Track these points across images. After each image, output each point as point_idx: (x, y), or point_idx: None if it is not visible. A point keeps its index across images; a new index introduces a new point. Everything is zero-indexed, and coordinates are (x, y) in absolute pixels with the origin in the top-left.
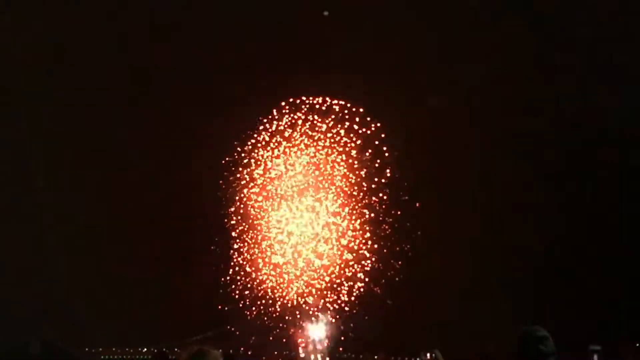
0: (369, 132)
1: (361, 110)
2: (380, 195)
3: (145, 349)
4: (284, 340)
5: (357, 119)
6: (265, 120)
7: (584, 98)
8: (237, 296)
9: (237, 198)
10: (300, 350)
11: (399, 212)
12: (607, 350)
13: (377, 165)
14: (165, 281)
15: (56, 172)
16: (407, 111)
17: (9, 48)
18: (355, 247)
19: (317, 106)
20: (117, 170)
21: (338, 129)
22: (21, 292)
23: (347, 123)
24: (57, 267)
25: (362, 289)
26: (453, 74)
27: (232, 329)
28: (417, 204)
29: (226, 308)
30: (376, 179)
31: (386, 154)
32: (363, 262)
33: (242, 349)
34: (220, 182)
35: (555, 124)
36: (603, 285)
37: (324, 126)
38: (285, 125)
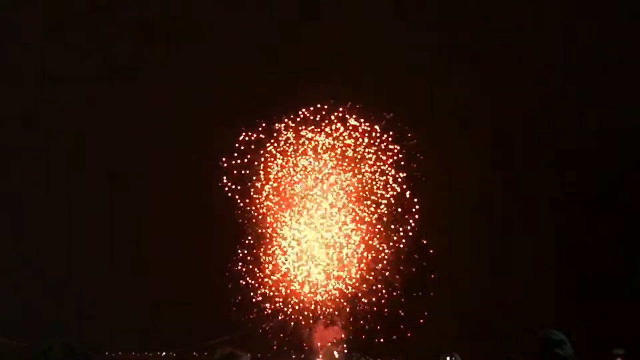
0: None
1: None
2: (396, 198)
3: (164, 353)
4: (302, 344)
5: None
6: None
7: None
8: (254, 301)
9: (252, 206)
10: (318, 354)
11: (417, 216)
12: (632, 355)
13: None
14: (183, 285)
15: (73, 179)
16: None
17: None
18: (373, 250)
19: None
20: (135, 170)
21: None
22: (41, 296)
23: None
24: (76, 271)
25: (380, 294)
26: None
27: (250, 333)
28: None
29: (244, 318)
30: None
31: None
32: (380, 266)
33: (259, 354)
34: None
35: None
36: (628, 287)
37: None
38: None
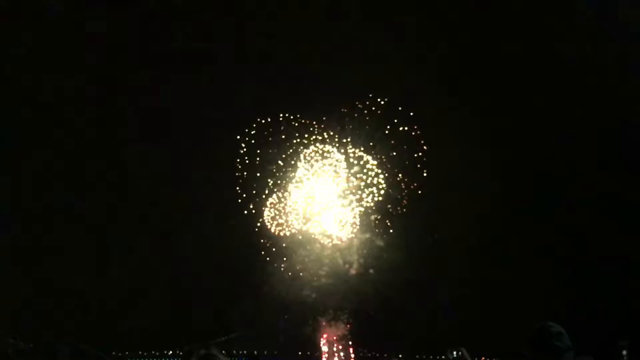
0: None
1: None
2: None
3: (171, 352)
4: (308, 339)
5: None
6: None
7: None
8: (259, 297)
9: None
10: (324, 350)
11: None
12: (637, 346)
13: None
14: (191, 284)
15: (79, 178)
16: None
17: None
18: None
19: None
20: (139, 169)
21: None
22: (49, 298)
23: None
24: (82, 272)
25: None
26: None
27: (257, 330)
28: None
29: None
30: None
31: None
32: (382, 262)
33: (265, 351)
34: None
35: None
36: (633, 278)
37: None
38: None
